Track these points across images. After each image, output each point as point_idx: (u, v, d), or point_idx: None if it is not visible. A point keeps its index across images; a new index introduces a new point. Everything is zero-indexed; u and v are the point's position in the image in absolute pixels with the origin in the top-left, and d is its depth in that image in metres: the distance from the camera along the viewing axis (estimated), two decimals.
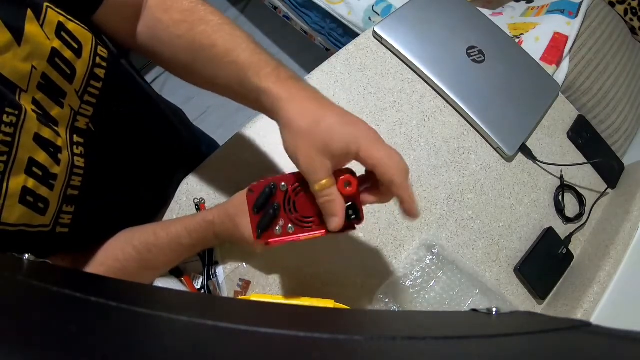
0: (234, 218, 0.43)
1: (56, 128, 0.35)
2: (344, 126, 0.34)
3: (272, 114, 0.37)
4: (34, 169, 0.32)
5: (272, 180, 0.38)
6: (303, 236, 0.39)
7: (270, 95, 0.36)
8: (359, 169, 0.38)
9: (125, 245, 0.45)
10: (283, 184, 0.38)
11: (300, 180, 0.38)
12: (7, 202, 0.31)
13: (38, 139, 0.32)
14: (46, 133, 0.33)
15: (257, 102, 0.38)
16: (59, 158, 0.35)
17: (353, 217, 0.38)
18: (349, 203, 0.37)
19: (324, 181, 0.34)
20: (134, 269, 0.45)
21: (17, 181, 0.31)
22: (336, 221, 0.36)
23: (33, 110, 0.32)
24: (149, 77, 1.64)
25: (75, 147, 0.37)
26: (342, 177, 0.37)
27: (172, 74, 0.46)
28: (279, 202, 0.38)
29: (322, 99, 0.36)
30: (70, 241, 0.38)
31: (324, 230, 0.39)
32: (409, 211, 0.36)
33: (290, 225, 0.39)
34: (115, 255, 0.44)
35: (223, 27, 0.39)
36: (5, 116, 0.29)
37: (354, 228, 0.39)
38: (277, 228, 0.38)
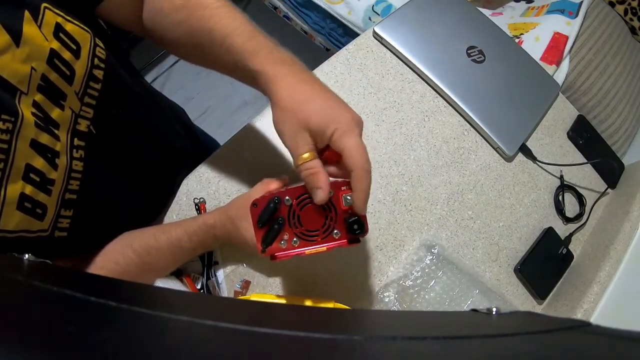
0: (235, 221, 0.43)
1: (56, 131, 0.35)
2: (328, 109, 0.36)
3: (265, 93, 0.38)
4: (32, 175, 0.32)
5: (276, 194, 0.38)
6: (308, 250, 0.39)
7: (264, 77, 0.37)
8: None
9: (125, 249, 0.45)
10: (287, 198, 0.38)
11: (304, 193, 0.38)
12: (5, 209, 0.31)
13: (35, 145, 0.32)
14: (43, 138, 0.33)
15: (253, 82, 0.40)
16: (56, 163, 0.34)
17: (358, 231, 0.38)
18: (354, 218, 0.37)
19: (305, 154, 0.35)
20: (133, 272, 0.44)
21: (15, 188, 0.31)
22: (320, 194, 0.35)
23: (33, 114, 0.32)
24: (149, 77, 1.64)
25: (75, 150, 0.37)
26: (343, 189, 0.37)
27: (175, 55, 0.47)
28: (284, 216, 0.38)
29: (313, 82, 0.38)
30: (70, 245, 0.38)
31: (329, 244, 0.40)
32: (356, 203, 0.36)
33: (295, 239, 0.39)
34: (115, 258, 0.44)
35: (220, 10, 0.40)
36: (1, 123, 0.29)
37: (359, 242, 0.40)
38: (282, 242, 0.39)
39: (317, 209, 0.38)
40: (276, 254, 0.39)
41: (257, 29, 0.40)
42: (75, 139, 0.37)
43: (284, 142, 0.37)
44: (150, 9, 0.43)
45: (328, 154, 0.38)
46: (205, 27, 0.39)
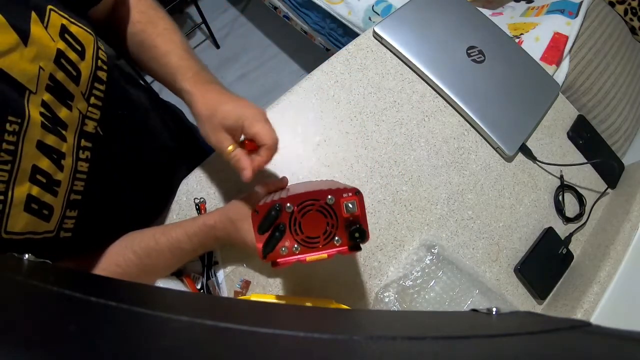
0: (235, 222, 0.44)
1: (64, 132, 0.35)
2: (236, 109, 0.43)
3: (190, 109, 0.46)
4: (38, 177, 0.32)
5: (277, 201, 0.38)
6: (309, 257, 0.40)
7: (187, 94, 0.45)
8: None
9: (126, 251, 0.45)
10: (289, 205, 0.38)
11: (306, 200, 0.38)
12: (13, 210, 0.31)
13: (41, 146, 0.32)
14: (50, 140, 0.33)
15: (183, 98, 0.47)
16: (62, 164, 0.35)
17: (359, 239, 0.38)
18: (356, 226, 0.38)
19: (229, 148, 0.43)
20: (134, 274, 0.45)
21: (22, 189, 0.31)
22: (245, 173, 0.41)
23: (41, 114, 0.32)
24: (148, 78, 1.63)
25: (81, 151, 0.37)
26: (345, 197, 0.38)
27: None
28: (285, 222, 0.38)
29: (225, 93, 0.45)
30: (74, 245, 0.38)
31: (330, 251, 0.40)
32: (258, 162, 0.42)
33: (296, 246, 0.39)
34: (116, 260, 0.44)
35: (165, 32, 0.48)
36: (8, 125, 0.29)
37: (359, 249, 0.40)
38: (283, 248, 0.39)
39: (319, 216, 0.38)
40: (277, 260, 0.39)
41: (191, 52, 0.48)
42: (83, 140, 0.37)
43: (210, 144, 0.44)
44: (118, 17, 0.48)
45: (248, 147, 0.44)
46: (151, 44, 0.47)
